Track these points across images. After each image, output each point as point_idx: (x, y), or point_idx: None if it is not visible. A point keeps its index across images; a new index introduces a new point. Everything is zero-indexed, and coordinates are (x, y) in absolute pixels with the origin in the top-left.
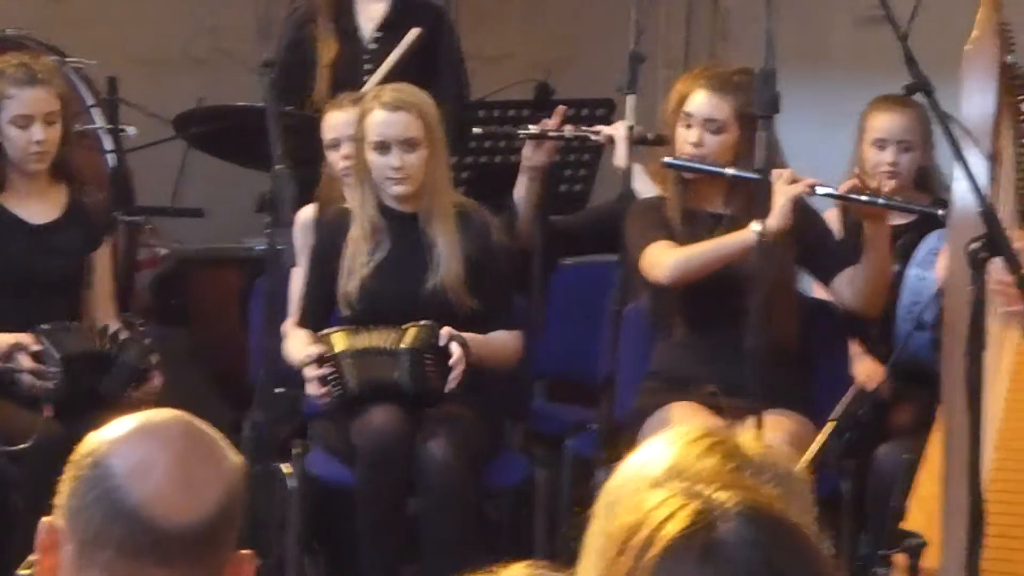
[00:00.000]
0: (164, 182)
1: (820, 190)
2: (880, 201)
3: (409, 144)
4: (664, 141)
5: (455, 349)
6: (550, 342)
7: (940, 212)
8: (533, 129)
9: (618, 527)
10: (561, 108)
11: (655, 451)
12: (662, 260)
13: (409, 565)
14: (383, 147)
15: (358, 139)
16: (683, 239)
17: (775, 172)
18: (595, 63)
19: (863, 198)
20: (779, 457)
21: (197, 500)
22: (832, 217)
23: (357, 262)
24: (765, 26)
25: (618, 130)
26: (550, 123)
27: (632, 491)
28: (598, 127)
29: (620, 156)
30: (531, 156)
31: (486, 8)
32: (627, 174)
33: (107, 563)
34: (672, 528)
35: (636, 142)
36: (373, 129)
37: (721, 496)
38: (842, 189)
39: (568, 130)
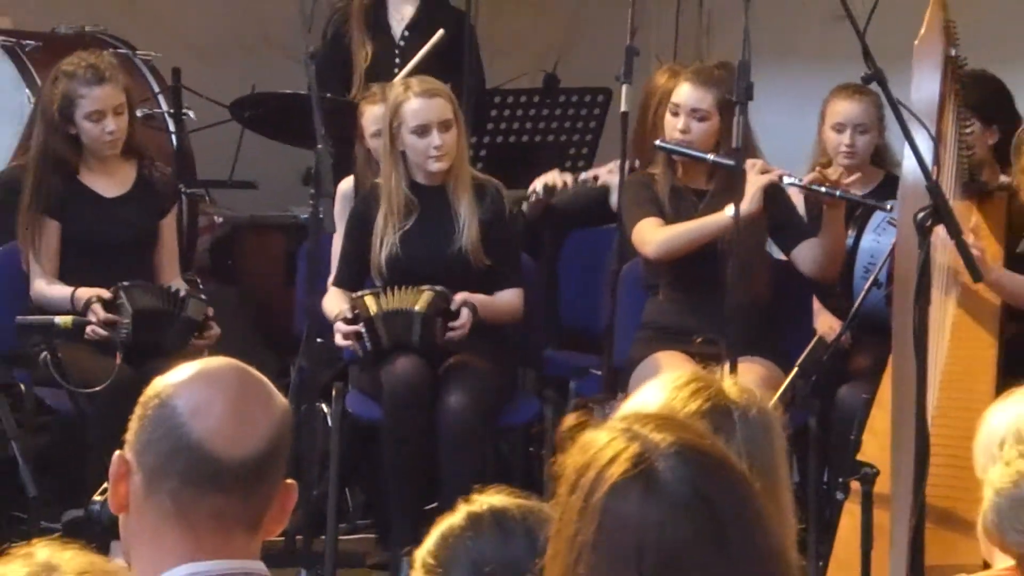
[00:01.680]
0: (221, 159)
1: (786, 180)
2: (837, 194)
3: (446, 125)
4: (648, 176)
5: (464, 314)
6: (557, 297)
7: (888, 207)
8: (539, 189)
9: (570, 467)
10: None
11: (647, 396)
12: (650, 239)
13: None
14: (424, 130)
15: (392, 126)
16: (670, 213)
17: (749, 162)
18: (594, 55)
19: (823, 189)
20: (757, 398)
21: (250, 436)
22: (796, 194)
23: (387, 239)
24: (743, 23)
25: (612, 173)
26: (548, 180)
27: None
28: (594, 173)
29: (615, 200)
30: (536, 199)
31: (498, 5)
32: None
33: (172, 490)
34: (616, 470)
35: (630, 172)
36: (412, 115)
37: (657, 436)
38: (805, 181)
39: (569, 180)
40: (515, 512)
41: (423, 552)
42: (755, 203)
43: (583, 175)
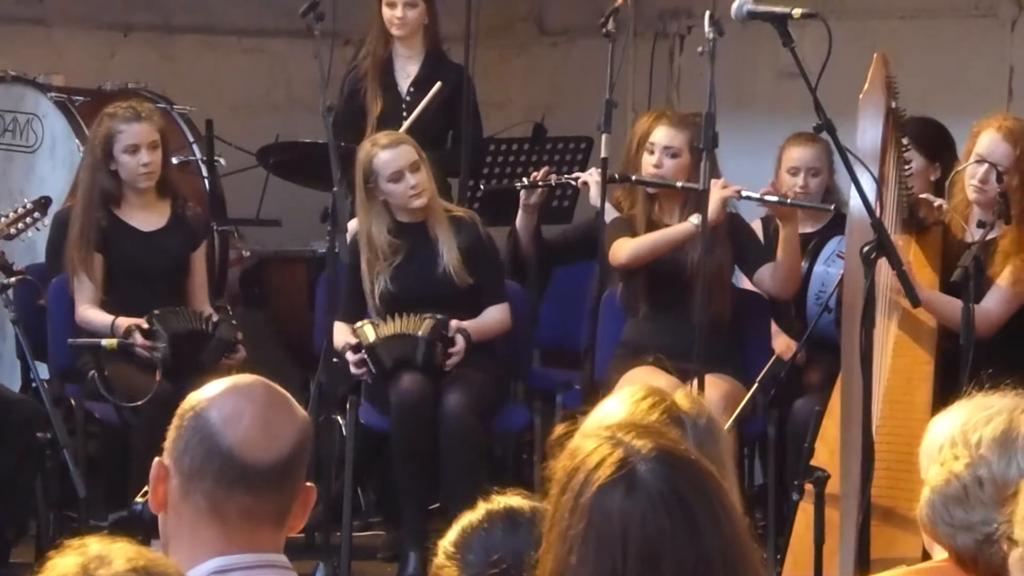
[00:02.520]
0: (249, 200)
1: (744, 193)
2: (788, 201)
3: (415, 166)
4: (626, 178)
5: (459, 341)
6: (546, 320)
7: (831, 207)
8: (527, 181)
9: (560, 470)
10: (544, 168)
11: (610, 408)
12: (624, 247)
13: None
14: (399, 175)
15: (369, 180)
16: None
17: (713, 181)
18: (577, 107)
19: (775, 200)
20: (705, 409)
21: (275, 443)
22: (756, 227)
23: (377, 280)
24: (708, 79)
25: (592, 176)
26: (539, 175)
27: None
28: (576, 174)
29: (594, 196)
30: (527, 198)
31: (493, 64)
32: (601, 205)
33: (206, 491)
34: (602, 473)
35: (608, 181)
36: (385, 166)
37: (638, 443)
38: (760, 193)
39: (553, 179)
40: (526, 509)
41: (445, 542)
42: (717, 212)
43: (565, 177)
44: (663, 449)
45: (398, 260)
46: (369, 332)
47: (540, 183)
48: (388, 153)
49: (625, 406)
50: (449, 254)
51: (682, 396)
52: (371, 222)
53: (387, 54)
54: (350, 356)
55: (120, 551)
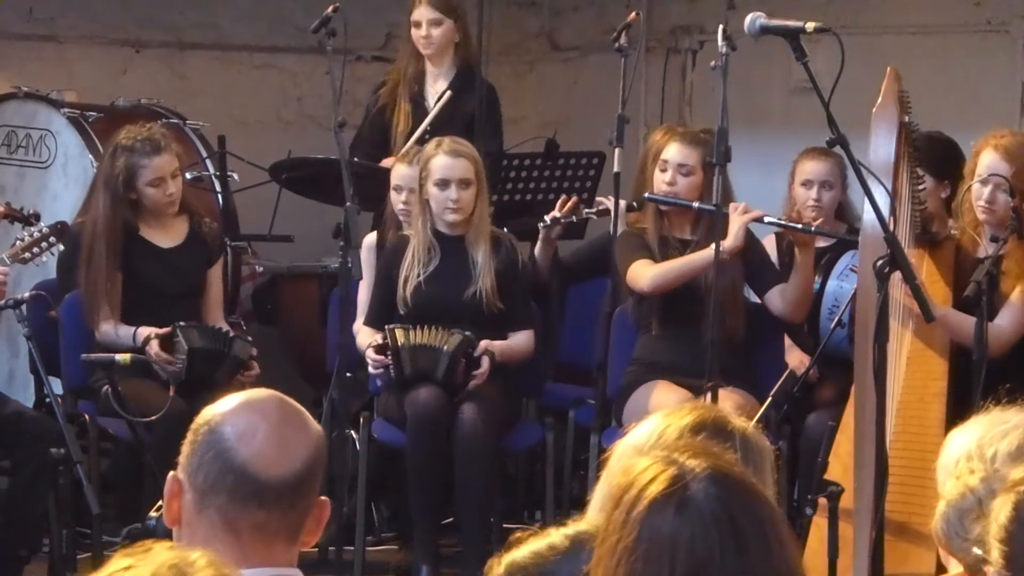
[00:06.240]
0: (262, 215)
1: (767, 219)
2: (812, 229)
3: (465, 183)
4: (643, 203)
5: (484, 362)
6: (558, 338)
7: (854, 238)
8: (549, 219)
9: (614, 487)
10: (574, 199)
11: (653, 424)
12: (644, 273)
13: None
14: (444, 184)
15: (422, 177)
16: (659, 259)
17: (732, 205)
18: (590, 122)
19: (799, 226)
20: (752, 431)
21: (289, 459)
22: (769, 244)
23: (413, 273)
24: (721, 94)
25: (611, 205)
26: (564, 209)
27: (625, 457)
28: (598, 201)
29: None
30: (548, 233)
31: (506, 80)
32: (613, 228)
33: (220, 507)
34: (654, 489)
35: (627, 210)
36: (437, 170)
37: (692, 462)
38: (783, 218)
39: (575, 216)
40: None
41: (508, 560)
42: (738, 239)
43: (587, 211)
44: (717, 470)
45: (429, 270)
46: (400, 335)
47: (562, 219)
48: (445, 159)
49: (667, 423)
50: (484, 278)
51: (733, 417)
52: (419, 219)
53: (418, 72)
54: (371, 353)
55: (201, 558)
